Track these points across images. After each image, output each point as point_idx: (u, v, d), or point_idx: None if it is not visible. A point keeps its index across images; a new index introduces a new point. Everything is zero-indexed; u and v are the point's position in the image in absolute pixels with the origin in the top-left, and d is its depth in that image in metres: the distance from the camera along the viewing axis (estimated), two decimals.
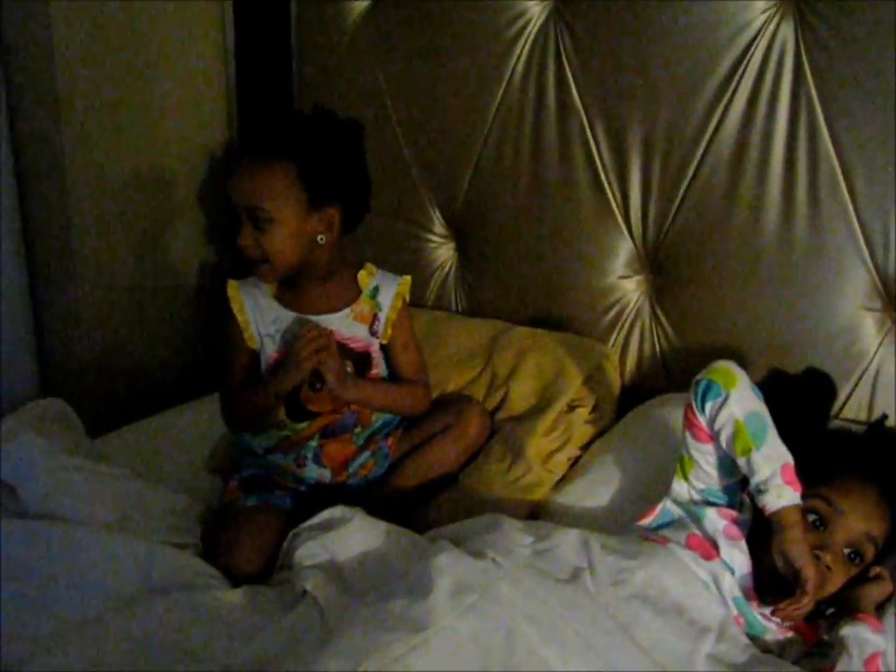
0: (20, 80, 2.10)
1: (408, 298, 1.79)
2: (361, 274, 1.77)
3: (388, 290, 1.77)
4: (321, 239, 1.67)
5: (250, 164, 1.65)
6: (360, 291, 1.76)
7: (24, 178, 2.17)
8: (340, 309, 1.74)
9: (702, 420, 1.43)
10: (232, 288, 1.75)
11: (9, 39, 2.07)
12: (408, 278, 1.80)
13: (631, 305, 1.98)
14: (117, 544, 1.50)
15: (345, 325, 1.73)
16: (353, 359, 1.74)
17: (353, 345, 1.74)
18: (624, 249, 1.97)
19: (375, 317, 1.75)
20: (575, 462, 1.82)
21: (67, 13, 2.03)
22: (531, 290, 2.08)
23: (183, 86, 2.33)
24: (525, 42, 2.00)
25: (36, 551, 1.47)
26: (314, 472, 1.74)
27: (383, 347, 1.78)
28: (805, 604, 1.30)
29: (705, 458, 1.46)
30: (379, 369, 1.78)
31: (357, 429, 1.76)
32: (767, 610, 1.36)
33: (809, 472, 1.39)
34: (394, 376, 1.81)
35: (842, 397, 1.76)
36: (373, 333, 1.75)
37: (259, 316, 1.73)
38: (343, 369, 1.67)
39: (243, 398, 1.76)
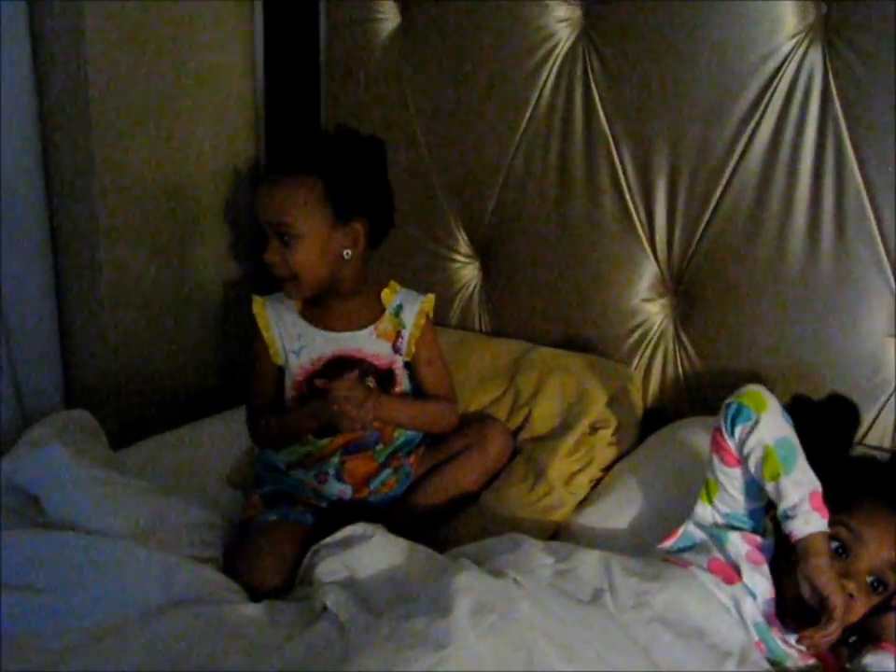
0: (52, 97, 2.13)
1: (431, 315, 1.80)
2: (385, 292, 1.78)
3: (411, 308, 1.78)
4: (347, 254, 1.68)
5: (276, 180, 1.66)
6: (384, 309, 1.77)
7: (53, 192, 2.20)
8: (364, 326, 1.75)
9: (731, 443, 1.43)
10: (258, 305, 1.76)
11: (44, 57, 2.10)
12: (431, 296, 1.81)
13: (655, 328, 1.98)
14: (138, 557, 1.49)
15: (369, 342, 1.74)
16: (376, 376, 1.75)
17: (376, 362, 1.75)
18: (648, 272, 1.97)
19: (399, 335, 1.76)
20: (597, 484, 1.81)
21: (101, 30, 2.06)
22: (555, 311, 2.08)
23: (211, 103, 2.35)
24: (553, 64, 2.00)
25: (58, 562, 1.47)
26: (334, 488, 1.74)
27: (407, 365, 1.79)
28: (832, 632, 1.29)
29: (731, 482, 1.46)
30: (402, 386, 1.79)
31: (379, 446, 1.76)
32: (790, 637, 1.35)
33: (832, 499, 1.38)
34: (420, 393, 1.82)
35: (866, 423, 1.75)
36: (396, 350, 1.76)
37: (285, 332, 1.74)
38: (368, 409, 1.66)
39: (271, 423, 1.76)
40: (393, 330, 1.76)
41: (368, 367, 1.73)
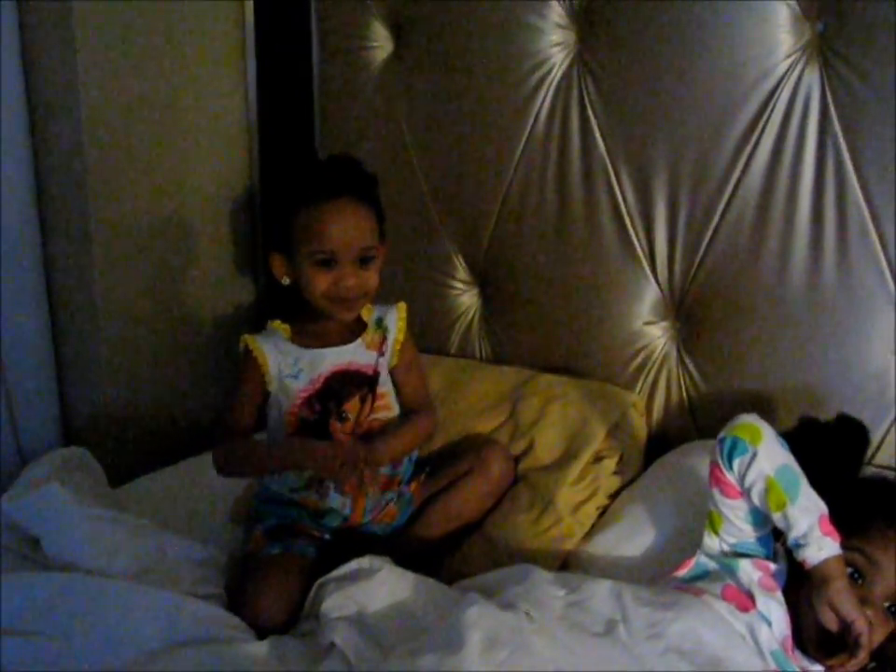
0: (45, 130, 2.12)
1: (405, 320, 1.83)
2: (363, 310, 1.80)
3: (391, 316, 1.81)
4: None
5: (350, 205, 1.67)
6: (366, 324, 1.80)
7: (47, 226, 2.18)
8: (352, 340, 1.77)
9: (730, 477, 1.40)
10: (251, 340, 1.76)
11: (36, 87, 2.10)
12: (403, 303, 1.84)
13: (657, 352, 1.96)
14: (141, 596, 1.47)
15: (359, 354, 1.77)
16: (366, 384, 1.76)
17: (366, 371, 1.76)
18: (650, 295, 1.95)
19: (384, 340, 1.79)
20: (604, 511, 1.79)
21: (94, 58, 2.05)
22: (556, 337, 2.06)
23: (205, 133, 2.35)
24: (549, 88, 1.99)
25: (58, 604, 1.45)
26: (335, 501, 1.73)
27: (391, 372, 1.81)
28: (862, 658, 1.27)
29: (734, 513, 1.43)
30: (387, 387, 1.80)
31: None
32: (808, 664, 1.33)
33: (844, 523, 1.36)
34: (399, 398, 1.83)
35: (873, 442, 1.71)
36: (382, 354, 1.79)
37: (282, 360, 1.74)
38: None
39: (237, 447, 1.75)
40: (379, 339, 1.79)
41: (361, 379, 1.76)
